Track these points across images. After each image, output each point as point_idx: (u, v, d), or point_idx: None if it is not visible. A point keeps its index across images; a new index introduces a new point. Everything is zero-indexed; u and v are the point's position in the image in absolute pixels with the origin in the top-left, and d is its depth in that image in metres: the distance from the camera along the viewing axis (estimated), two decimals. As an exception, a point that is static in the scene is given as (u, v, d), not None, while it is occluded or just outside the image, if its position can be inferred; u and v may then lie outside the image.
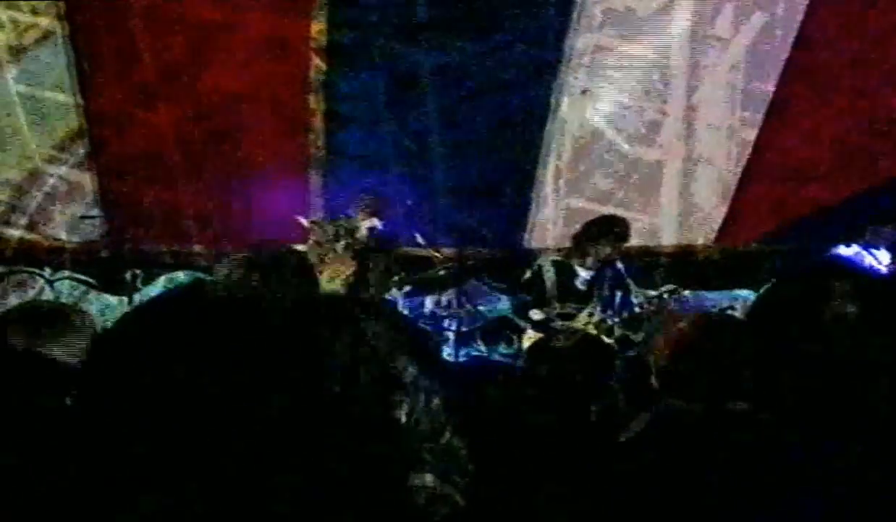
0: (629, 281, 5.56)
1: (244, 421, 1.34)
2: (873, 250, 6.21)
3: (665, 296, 5.93)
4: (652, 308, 5.51)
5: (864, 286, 1.39)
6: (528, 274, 5.42)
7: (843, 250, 6.24)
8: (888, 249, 6.24)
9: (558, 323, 5.21)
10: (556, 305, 5.26)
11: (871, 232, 6.29)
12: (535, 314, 5.28)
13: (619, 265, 5.53)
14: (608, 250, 5.31)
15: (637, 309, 5.48)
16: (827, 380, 1.35)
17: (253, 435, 1.33)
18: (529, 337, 5.34)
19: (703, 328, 2.27)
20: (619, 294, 5.42)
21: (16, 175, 7.14)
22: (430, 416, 2.20)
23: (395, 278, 5.33)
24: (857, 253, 6.16)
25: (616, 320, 5.33)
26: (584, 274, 5.32)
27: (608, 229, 5.44)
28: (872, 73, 6.98)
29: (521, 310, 5.44)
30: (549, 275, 5.30)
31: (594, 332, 5.17)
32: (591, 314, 5.24)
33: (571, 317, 5.24)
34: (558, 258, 5.44)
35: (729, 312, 7.03)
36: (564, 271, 5.32)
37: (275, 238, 6.81)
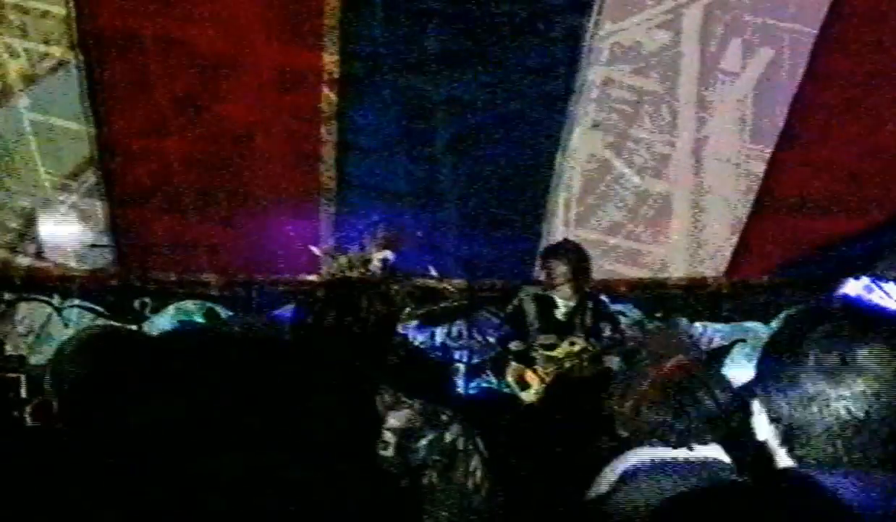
0: (612, 312, 5.63)
1: (238, 468, 1.32)
2: (883, 284, 6.20)
3: (645, 326, 5.94)
4: (632, 339, 5.55)
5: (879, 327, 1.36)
6: (509, 308, 5.49)
7: (852, 285, 6.23)
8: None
9: (539, 353, 5.27)
10: (538, 336, 5.33)
11: (881, 265, 6.29)
12: (515, 345, 5.36)
13: (601, 296, 5.61)
14: (563, 268, 5.37)
15: (618, 337, 5.54)
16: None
17: (250, 483, 1.31)
18: (513, 369, 5.39)
19: (668, 378, 2.29)
20: (605, 326, 5.47)
21: (26, 203, 7.15)
22: (442, 451, 2.18)
23: (408, 310, 5.33)
24: (866, 286, 6.15)
25: (598, 348, 5.38)
26: (563, 306, 5.40)
27: (561, 250, 5.47)
28: (882, 105, 7.01)
29: (503, 342, 5.51)
30: (530, 307, 5.38)
31: (576, 361, 5.22)
32: (572, 344, 5.30)
33: (553, 347, 5.29)
34: (539, 291, 5.52)
35: (739, 341, 7.03)
36: (545, 303, 5.39)
37: (285, 269, 6.82)
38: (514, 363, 5.36)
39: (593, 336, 5.39)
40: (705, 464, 2.22)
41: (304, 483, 1.36)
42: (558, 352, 5.26)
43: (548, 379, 5.16)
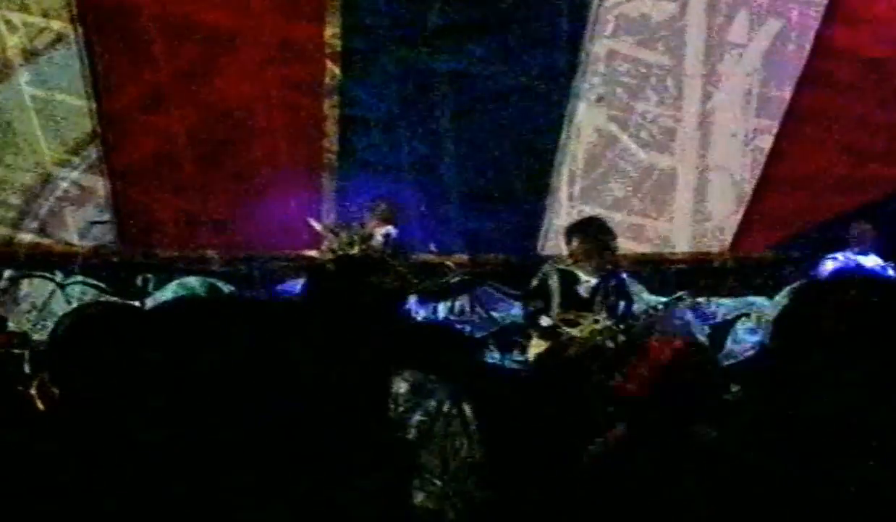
0: (630, 290, 5.61)
1: (226, 432, 1.29)
2: (860, 257, 6.18)
3: (660, 307, 5.91)
4: (644, 321, 5.54)
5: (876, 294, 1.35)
6: (534, 282, 5.46)
7: (830, 262, 6.20)
8: (873, 249, 6.24)
9: (564, 329, 5.24)
10: (561, 312, 5.30)
11: (852, 238, 6.29)
12: (544, 321, 5.33)
13: (623, 275, 5.57)
14: (587, 245, 5.32)
15: (640, 317, 5.53)
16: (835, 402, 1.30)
17: (238, 448, 1.28)
18: (536, 344, 5.37)
19: (667, 356, 2.29)
20: (621, 304, 5.45)
21: (28, 179, 7.13)
22: (426, 414, 2.19)
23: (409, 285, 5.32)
24: (843, 262, 6.12)
25: (621, 327, 5.35)
26: (587, 282, 5.36)
27: (587, 228, 5.46)
28: (889, 79, 6.93)
29: (531, 318, 5.48)
30: (554, 283, 5.35)
31: (599, 338, 5.20)
32: (596, 321, 5.27)
33: (577, 324, 5.27)
34: (562, 267, 5.48)
35: (742, 316, 7.01)
36: (569, 279, 5.35)
37: (287, 244, 6.80)
38: (536, 340, 5.34)
39: (612, 314, 5.36)
40: (696, 439, 2.22)
41: (305, 453, 1.34)
42: (582, 330, 5.23)
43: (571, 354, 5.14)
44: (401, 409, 2.17)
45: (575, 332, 5.24)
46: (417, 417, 2.16)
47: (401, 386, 2.19)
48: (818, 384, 1.26)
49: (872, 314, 1.26)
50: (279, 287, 6.59)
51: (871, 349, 1.24)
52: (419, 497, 2.08)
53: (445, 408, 2.18)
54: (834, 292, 1.33)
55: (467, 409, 2.24)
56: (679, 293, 5.94)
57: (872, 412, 1.24)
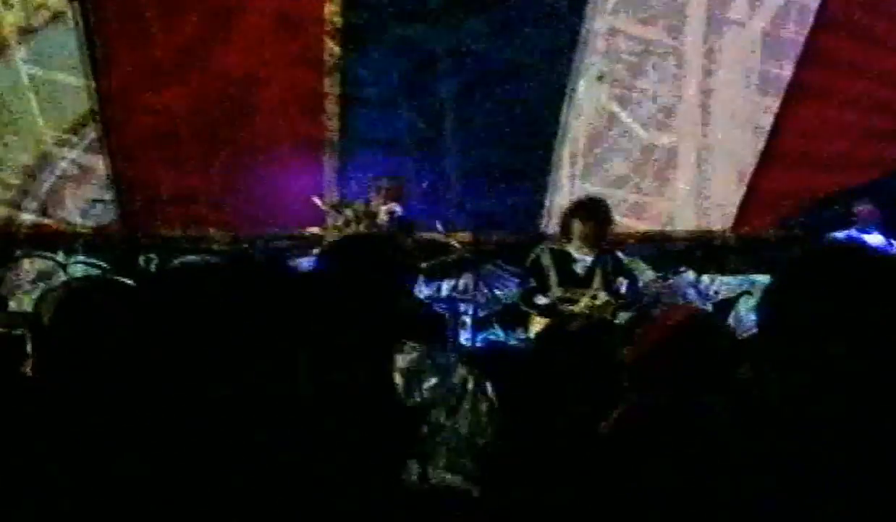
0: (628, 268, 5.64)
1: (231, 404, 1.28)
2: (864, 235, 6.23)
3: (656, 283, 5.92)
4: (642, 296, 5.56)
5: (879, 267, 1.35)
6: (528, 261, 5.50)
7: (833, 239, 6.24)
8: (877, 227, 6.28)
9: (563, 307, 5.27)
10: (557, 290, 5.33)
11: (856, 216, 6.33)
12: (541, 299, 5.36)
13: (619, 253, 5.59)
14: (585, 225, 5.34)
15: (640, 292, 5.55)
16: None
17: (242, 420, 1.27)
18: (537, 322, 5.40)
19: (672, 329, 2.29)
20: (620, 281, 5.47)
21: (27, 158, 7.09)
22: (449, 391, 2.19)
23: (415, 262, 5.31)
24: (846, 239, 6.17)
25: (620, 302, 5.39)
26: (581, 260, 5.40)
27: (583, 208, 5.50)
28: (891, 56, 6.93)
29: (526, 296, 5.51)
30: (548, 261, 5.38)
31: (599, 314, 5.23)
32: (593, 297, 5.31)
33: (574, 301, 5.30)
34: (555, 246, 5.52)
35: (745, 294, 7.04)
36: (563, 258, 5.37)
37: (289, 222, 6.79)
38: (537, 318, 5.37)
39: (610, 291, 5.40)
40: (702, 412, 2.23)
41: (318, 434, 1.33)
42: (580, 306, 5.27)
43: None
44: (420, 385, 2.17)
45: (575, 308, 5.28)
46: (441, 394, 2.17)
47: (416, 362, 2.20)
48: (805, 361, 1.26)
49: (860, 287, 1.26)
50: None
51: (860, 324, 1.24)
52: (445, 475, 2.09)
53: (469, 386, 2.19)
54: (820, 265, 1.33)
55: (489, 386, 2.25)
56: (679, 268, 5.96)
57: (862, 387, 1.23)
